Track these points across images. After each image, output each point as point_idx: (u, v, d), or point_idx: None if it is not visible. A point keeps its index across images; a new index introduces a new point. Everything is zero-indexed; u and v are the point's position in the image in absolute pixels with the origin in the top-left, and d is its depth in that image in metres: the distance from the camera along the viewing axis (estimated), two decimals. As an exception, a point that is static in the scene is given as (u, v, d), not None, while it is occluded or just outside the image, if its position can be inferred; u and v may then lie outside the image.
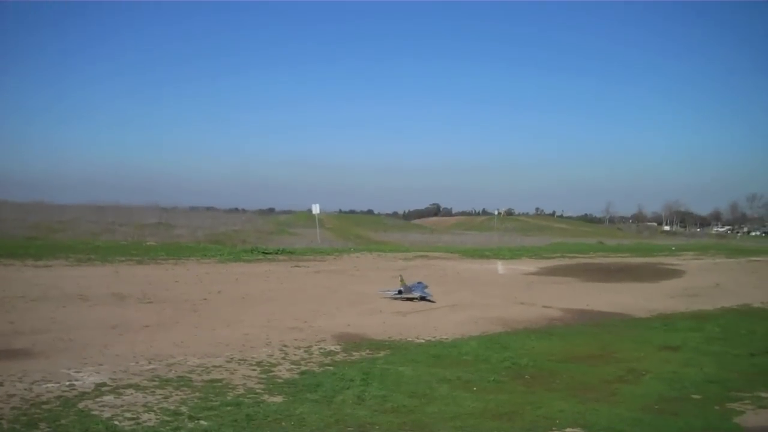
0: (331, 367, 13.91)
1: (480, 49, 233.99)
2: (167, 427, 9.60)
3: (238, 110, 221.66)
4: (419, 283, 26.59)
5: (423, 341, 17.39)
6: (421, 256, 48.92)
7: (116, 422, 9.72)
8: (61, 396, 10.92)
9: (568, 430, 10.24)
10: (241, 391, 11.83)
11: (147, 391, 11.55)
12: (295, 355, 15.08)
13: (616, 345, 17.46)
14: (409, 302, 24.27)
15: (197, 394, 11.47)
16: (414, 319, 20.89)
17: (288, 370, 13.63)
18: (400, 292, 25.15)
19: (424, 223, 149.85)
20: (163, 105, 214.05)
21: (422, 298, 24.98)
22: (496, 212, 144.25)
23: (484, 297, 27.24)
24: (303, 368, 13.78)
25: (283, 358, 14.67)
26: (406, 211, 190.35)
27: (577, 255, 58.65)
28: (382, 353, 15.57)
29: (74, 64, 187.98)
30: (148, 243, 45.84)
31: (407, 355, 15.44)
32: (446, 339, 17.71)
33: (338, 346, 16.21)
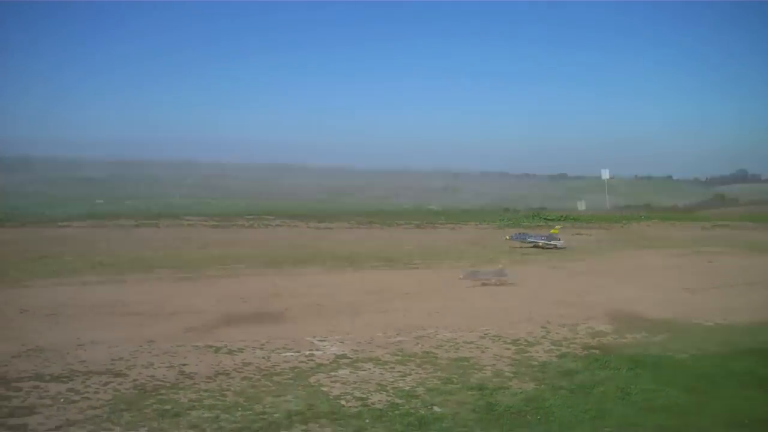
0: (596, 351, 12.00)
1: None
2: (395, 412, 8.59)
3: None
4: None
5: (712, 324, 14.61)
6: (721, 226, 43.63)
7: (342, 402, 8.92)
8: (296, 367, 10.42)
9: None
10: (488, 373, 10.50)
11: (386, 366, 10.69)
12: (557, 333, 13.35)
13: None
14: (696, 275, 21.62)
15: (439, 373, 10.36)
16: (704, 297, 17.94)
17: (546, 351, 11.99)
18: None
19: (727, 191, 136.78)
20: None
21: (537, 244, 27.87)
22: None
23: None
24: (563, 350, 12.05)
25: (543, 337, 13.03)
26: (709, 177, 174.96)
27: None
28: (659, 336, 13.25)
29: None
30: (429, 207, 46.19)
31: (690, 340, 12.92)
32: (741, 323, 14.75)
33: (609, 326, 14.14)
